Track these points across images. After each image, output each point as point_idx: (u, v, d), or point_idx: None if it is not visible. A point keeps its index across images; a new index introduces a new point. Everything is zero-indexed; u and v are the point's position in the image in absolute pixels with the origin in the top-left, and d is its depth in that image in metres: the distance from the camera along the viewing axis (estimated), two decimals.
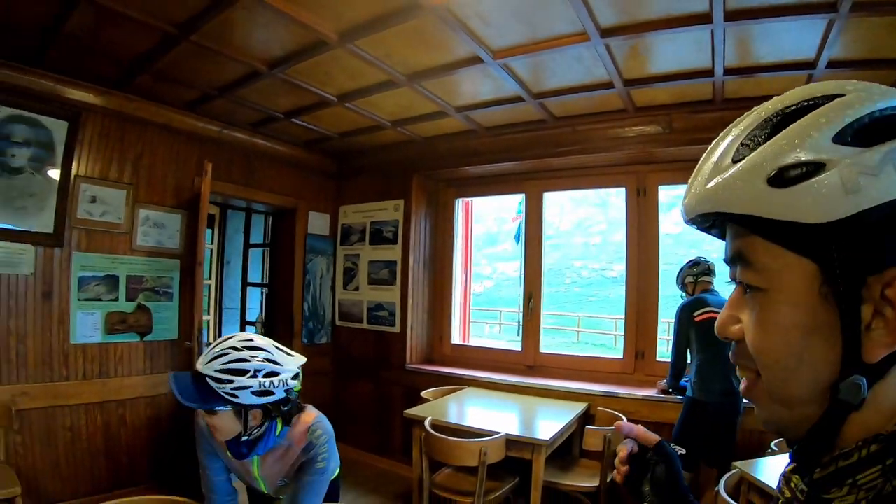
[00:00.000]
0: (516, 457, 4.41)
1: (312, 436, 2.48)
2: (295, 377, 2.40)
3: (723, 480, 3.34)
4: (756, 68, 4.26)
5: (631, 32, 3.81)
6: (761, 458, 3.75)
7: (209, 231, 8.52)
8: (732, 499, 3.17)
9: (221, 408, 2.25)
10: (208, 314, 9.01)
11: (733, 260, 0.85)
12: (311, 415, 2.58)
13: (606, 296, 33.80)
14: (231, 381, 2.20)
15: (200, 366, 2.25)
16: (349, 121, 6.09)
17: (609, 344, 21.70)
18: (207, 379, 2.21)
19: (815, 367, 0.75)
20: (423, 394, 5.89)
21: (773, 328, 0.78)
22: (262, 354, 2.30)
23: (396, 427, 6.95)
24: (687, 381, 4.92)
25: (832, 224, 0.70)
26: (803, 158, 0.72)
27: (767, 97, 0.83)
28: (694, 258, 5.21)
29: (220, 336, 5.51)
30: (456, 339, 7.41)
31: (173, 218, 5.91)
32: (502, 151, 6.31)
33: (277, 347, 2.41)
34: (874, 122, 0.73)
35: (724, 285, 1.03)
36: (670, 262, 5.89)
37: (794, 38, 3.75)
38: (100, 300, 5.37)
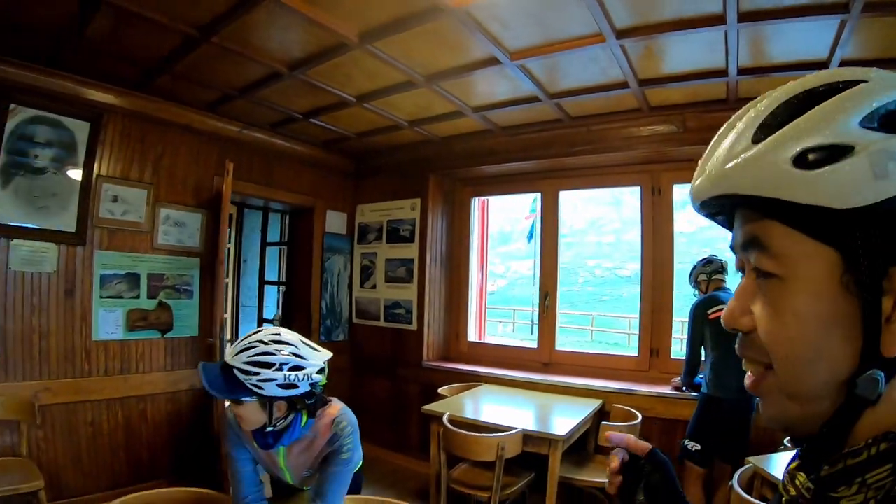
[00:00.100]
0: (533, 452, 4.46)
1: (337, 427, 2.55)
2: (320, 371, 2.46)
3: (737, 475, 3.35)
4: (769, 68, 4.28)
5: (646, 33, 3.84)
6: (774, 454, 3.78)
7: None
8: (746, 493, 3.20)
9: (247, 398, 2.32)
10: (226, 312, 9.04)
11: (746, 245, 0.81)
12: (336, 407, 2.65)
13: (619, 295, 33.59)
14: (257, 374, 2.26)
15: (228, 358, 2.32)
16: (367, 121, 6.13)
17: (622, 343, 21.50)
18: (235, 370, 2.28)
19: (833, 360, 0.72)
20: (441, 390, 5.95)
21: (790, 319, 0.74)
22: (289, 349, 2.36)
23: (413, 423, 7.00)
24: (702, 378, 4.95)
25: (857, 210, 0.67)
26: (830, 141, 0.69)
27: None
28: (707, 256, 5.23)
29: (237, 333, 5.59)
30: (472, 336, 7.45)
31: (193, 217, 5.99)
32: (518, 151, 6.34)
33: (304, 342, 2.47)
34: None
35: (736, 283, 0.90)
36: (683, 261, 5.92)
37: (807, 38, 3.77)
38: (121, 298, 5.46)
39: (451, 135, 6.55)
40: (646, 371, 5.90)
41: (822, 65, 4.09)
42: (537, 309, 6.85)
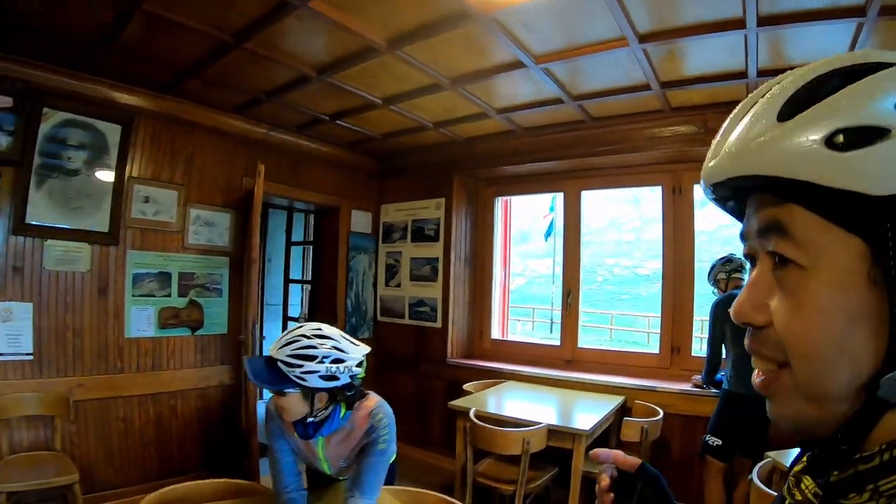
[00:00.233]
0: (556, 447, 4.54)
1: (374, 419, 2.65)
2: (359, 364, 2.57)
3: (756, 469, 3.42)
4: (788, 70, 4.33)
5: (668, 38, 3.90)
6: (794, 449, 3.85)
7: None
8: (766, 486, 3.26)
9: (290, 390, 2.42)
10: None
11: (765, 230, 0.75)
12: (374, 400, 2.75)
13: (638, 294, 33.38)
14: (300, 366, 2.37)
15: (273, 351, 2.43)
16: (393, 122, 6.20)
17: (641, 341, 21.44)
18: (279, 363, 2.39)
19: (856, 359, 0.67)
20: (466, 386, 6.04)
21: (814, 313, 0.68)
22: (330, 343, 2.47)
23: (437, 419, 7.08)
24: (723, 375, 5.00)
25: (890, 199, 0.63)
26: (865, 122, 0.65)
27: None
28: (726, 255, 5.26)
29: (262, 331, 5.70)
30: (495, 334, 7.52)
31: (223, 217, 6.10)
32: (541, 151, 6.40)
33: (344, 337, 2.57)
34: None
35: None
36: (703, 259, 5.97)
37: (825, 40, 3.79)
38: (153, 296, 5.58)
39: (475, 136, 6.61)
40: (667, 368, 5.95)
41: None
42: (556, 307, 6.91)
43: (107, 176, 5.29)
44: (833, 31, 3.63)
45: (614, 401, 5.41)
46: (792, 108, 0.71)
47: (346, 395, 2.56)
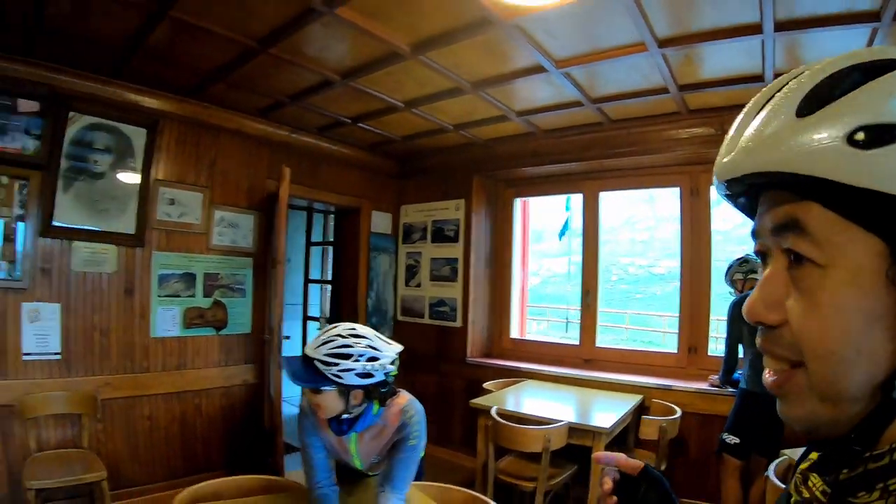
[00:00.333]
0: (577, 444, 4.58)
1: (405, 416, 2.72)
2: (393, 362, 2.64)
3: (772, 466, 3.43)
4: None
5: (686, 43, 3.94)
6: None
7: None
8: (782, 483, 3.30)
9: (327, 387, 2.49)
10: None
11: (780, 228, 0.74)
12: (405, 397, 2.82)
13: (653, 293, 33.13)
14: (337, 364, 2.44)
15: (309, 351, 2.49)
16: (413, 125, 6.25)
17: (657, 341, 21.36)
18: (316, 362, 2.46)
19: (874, 359, 0.67)
20: (486, 385, 6.08)
21: (831, 312, 0.68)
22: (365, 342, 2.54)
23: (457, 418, 7.13)
24: (740, 375, 5.05)
25: None
26: (889, 120, 0.64)
27: None
28: (742, 256, 5.25)
29: (282, 330, 5.76)
30: (514, 333, 7.58)
31: (246, 218, 6.19)
32: (560, 153, 6.44)
33: (377, 336, 2.65)
34: None
35: None
36: (718, 258, 6.00)
37: (841, 45, 3.75)
38: (178, 296, 5.67)
39: (495, 137, 6.64)
40: (684, 368, 5.98)
41: None
42: (571, 307, 6.95)
43: (132, 178, 5.36)
44: (848, 35, 3.65)
45: (632, 400, 5.44)
46: (811, 103, 0.70)
47: (381, 393, 2.63)
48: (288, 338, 6.33)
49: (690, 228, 6.05)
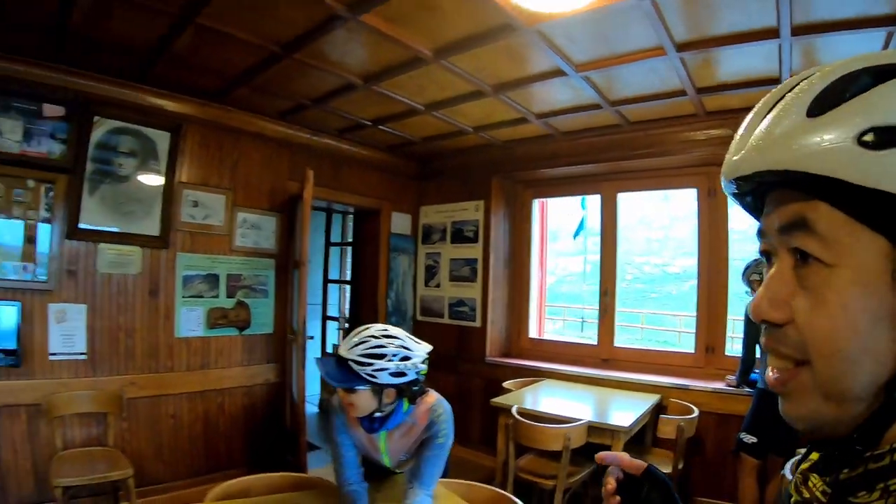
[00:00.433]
0: (596, 443, 4.60)
1: (434, 415, 2.79)
2: (424, 362, 2.72)
3: (789, 464, 3.44)
4: None
5: (704, 47, 3.97)
6: None
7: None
8: None
9: (361, 387, 2.56)
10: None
11: (789, 226, 0.74)
12: (433, 396, 2.89)
13: (668, 292, 32.77)
14: (371, 364, 2.50)
15: (343, 352, 2.56)
16: (434, 127, 6.29)
17: (672, 341, 21.11)
18: (350, 362, 2.52)
19: (879, 359, 0.67)
20: (506, 384, 6.13)
21: (838, 311, 0.68)
22: (397, 342, 2.61)
23: (476, 417, 7.15)
24: (757, 374, 5.07)
25: None
26: None
27: None
28: (759, 257, 5.29)
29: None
30: (533, 333, 7.62)
31: (268, 220, 6.26)
32: (579, 155, 6.47)
33: (409, 336, 2.72)
34: None
35: None
36: (735, 258, 6.00)
37: (856, 48, 3.68)
38: (202, 297, 5.75)
39: (514, 139, 6.67)
40: (702, 367, 5.99)
41: None
42: (587, 306, 6.95)
43: (156, 181, 5.43)
44: (864, 39, 3.67)
45: (650, 399, 5.47)
46: (822, 104, 0.70)
47: (412, 391, 2.70)
48: (311, 338, 6.39)
49: (708, 229, 6.07)
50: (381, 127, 6.36)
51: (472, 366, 7.32)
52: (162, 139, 5.45)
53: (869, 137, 0.64)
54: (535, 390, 6.01)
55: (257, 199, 6.21)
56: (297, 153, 6.56)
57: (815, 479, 0.82)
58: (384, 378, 2.54)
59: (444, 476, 2.98)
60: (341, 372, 2.54)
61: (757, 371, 5.07)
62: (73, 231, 4.93)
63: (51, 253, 4.82)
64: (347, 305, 9.30)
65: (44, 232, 4.79)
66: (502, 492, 3.07)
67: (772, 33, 3.73)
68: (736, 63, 4.29)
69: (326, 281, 9.84)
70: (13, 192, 4.65)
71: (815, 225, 0.70)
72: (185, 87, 5.37)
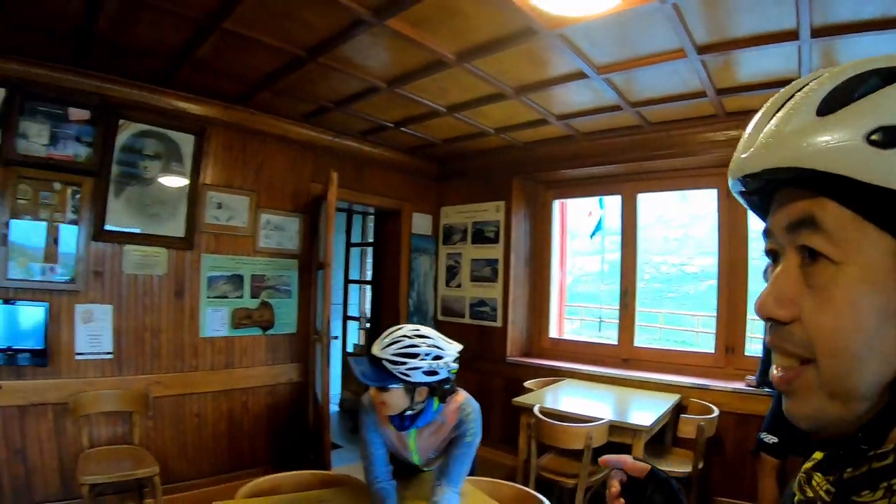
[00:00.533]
0: (617, 442, 4.62)
1: (463, 413, 2.83)
2: (455, 360, 2.77)
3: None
4: None
5: (724, 49, 3.98)
6: None
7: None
8: None
9: (395, 385, 2.61)
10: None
11: (797, 224, 0.74)
12: (462, 395, 2.93)
13: (686, 292, 32.47)
14: (405, 363, 2.55)
15: (377, 351, 2.61)
16: (455, 128, 6.32)
17: (690, 340, 20.84)
18: (384, 362, 2.57)
19: (885, 357, 0.67)
20: (527, 384, 6.15)
21: (845, 308, 0.69)
22: (429, 341, 2.66)
23: (496, 417, 7.12)
24: None
25: None
26: None
27: None
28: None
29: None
30: (553, 333, 7.63)
31: (291, 221, 6.33)
32: (599, 155, 6.48)
33: (440, 336, 2.77)
34: None
35: None
36: (755, 257, 6.00)
37: (875, 50, 3.60)
38: (226, 297, 5.82)
39: (535, 140, 6.69)
40: (722, 368, 5.98)
41: None
42: (604, 306, 6.95)
43: (181, 183, 5.50)
44: (884, 40, 3.66)
45: (671, 399, 5.48)
46: (832, 103, 0.71)
47: (443, 389, 2.75)
48: (336, 337, 6.44)
49: (728, 229, 6.06)
50: (402, 129, 6.39)
51: (493, 365, 7.33)
52: (186, 142, 5.52)
53: (877, 136, 0.65)
54: (556, 390, 6.03)
55: (280, 200, 6.27)
56: (319, 155, 6.63)
57: (818, 478, 0.82)
58: (417, 377, 2.59)
59: (470, 474, 3.02)
60: (375, 371, 2.59)
61: None
62: (99, 233, 5.00)
63: (77, 254, 4.88)
64: (368, 305, 9.33)
65: (70, 234, 4.86)
66: (528, 489, 3.12)
67: (791, 35, 3.73)
68: (756, 64, 4.30)
69: (347, 281, 9.89)
70: (40, 194, 4.72)
71: (823, 222, 0.71)
72: (209, 91, 5.43)
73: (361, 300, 9.90)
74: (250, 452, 6.04)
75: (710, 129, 5.65)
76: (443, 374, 2.69)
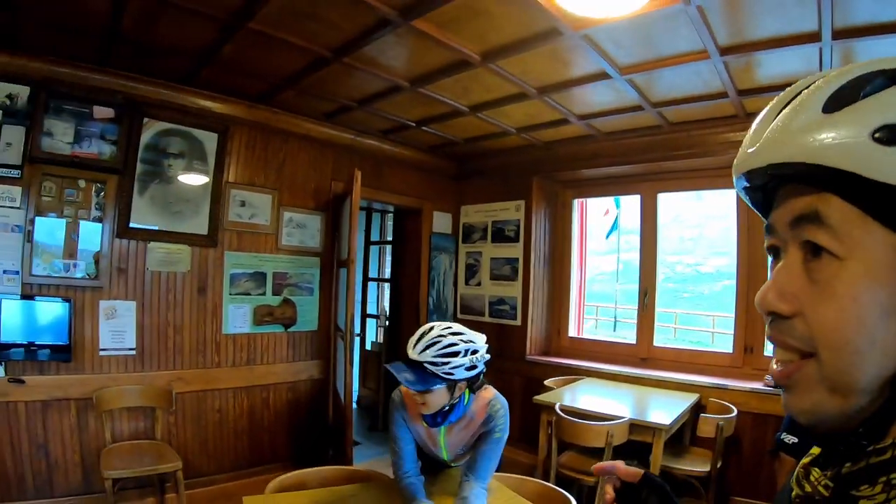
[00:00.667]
0: (637, 440, 4.67)
1: (492, 409, 2.88)
2: (487, 351, 2.82)
3: None
4: None
5: (746, 50, 3.99)
6: None
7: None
8: None
9: (438, 386, 2.64)
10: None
11: (801, 219, 0.75)
12: (491, 391, 2.98)
13: (700, 292, 32.29)
14: (448, 363, 2.60)
15: (415, 355, 2.63)
16: (476, 128, 6.34)
17: (705, 341, 20.67)
18: (426, 364, 2.61)
19: (886, 352, 0.68)
20: (547, 382, 6.16)
21: (848, 302, 0.69)
22: (464, 337, 2.71)
23: (515, 415, 6.98)
24: None
25: None
26: None
27: None
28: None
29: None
30: (572, 332, 7.64)
31: (313, 219, 6.39)
32: (619, 155, 6.49)
33: (467, 329, 2.81)
34: None
35: None
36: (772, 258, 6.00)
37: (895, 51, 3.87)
38: (249, 294, 5.87)
39: (555, 139, 6.71)
40: (740, 367, 5.98)
41: None
42: (620, 305, 6.93)
43: (204, 181, 5.56)
44: None
45: (690, 398, 5.49)
46: (838, 101, 0.72)
47: (480, 381, 2.83)
48: (359, 335, 6.46)
49: (746, 229, 6.05)
50: (424, 128, 6.42)
51: (513, 364, 7.33)
52: (209, 140, 5.58)
53: (883, 134, 0.66)
54: (575, 388, 6.04)
55: (302, 198, 6.32)
56: (340, 154, 6.68)
57: (816, 473, 0.82)
58: (460, 374, 2.65)
59: (497, 469, 3.06)
60: (418, 375, 2.62)
61: None
62: (123, 230, 5.07)
63: (101, 251, 4.95)
64: (386, 303, 9.39)
65: (94, 231, 4.93)
66: (553, 486, 3.16)
67: (814, 37, 3.74)
68: (777, 66, 4.30)
69: (366, 279, 9.95)
70: (65, 192, 4.79)
71: (828, 218, 0.71)
72: (233, 90, 5.49)
73: (380, 298, 9.93)
74: (271, 448, 6.09)
75: (730, 129, 5.63)
76: (480, 367, 2.75)
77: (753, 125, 0.83)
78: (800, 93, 0.78)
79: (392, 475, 2.99)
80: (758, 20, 3.66)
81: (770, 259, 0.86)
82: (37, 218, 4.64)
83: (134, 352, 5.16)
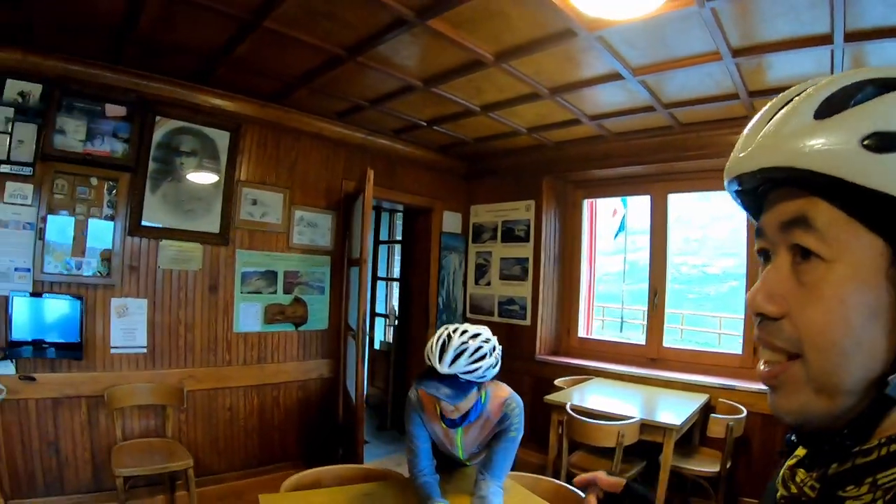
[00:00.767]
0: (648, 440, 4.68)
1: (508, 408, 2.87)
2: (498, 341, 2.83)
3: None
4: None
5: (758, 52, 4.00)
6: None
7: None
8: None
9: (473, 391, 2.65)
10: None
11: (790, 223, 0.76)
12: (506, 390, 2.98)
13: (707, 293, 32.23)
14: (479, 367, 2.60)
15: (446, 368, 2.58)
16: (487, 127, 6.34)
17: (712, 342, 20.47)
18: (458, 375, 2.59)
19: (871, 354, 0.69)
20: (557, 382, 6.17)
21: (836, 305, 0.70)
22: (481, 337, 2.70)
23: (525, 414, 7.03)
24: None
25: None
26: None
27: None
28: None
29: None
30: (581, 332, 7.64)
31: (324, 218, 6.40)
32: (630, 155, 6.49)
33: (476, 326, 2.81)
34: None
35: None
36: None
37: None
38: (260, 293, 5.89)
39: (566, 140, 6.72)
40: (749, 368, 5.94)
41: None
42: (627, 306, 6.93)
43: (216, 180, 5.57)
44: None
45: (699, 398, 5.49)
46: (829, 107, 0.73)
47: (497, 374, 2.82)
48: (368, 334, 6.47)
49: (755, 229, 5.98)
50: (435, 127, 6.42)
51: (522, 363, 7.31)
52: (221, 139, 5.59)
53: (871, 141, 0.67)
54: (585, 388, 6.05)
55: (314, 197, 6.33)
56: (352, 153, 6.69)
57: (802, 474, 0.83)
58: (490, 374, 2.68)
59: (511, 469, 3.06)
60: (454, 387, 2.59)
61: None
62: (135, 228, 5.08)
63: (113, 249, 4.97)
64: (395, 302, 9.40)
65: (106, 228, 4.94)
66: (567, 485, 3.16)
67: (826, 39, 3.75)
68: (788, 67, 4.30)
69: (375, 278, 9.95)
70: (77, 189, 4.81)
71: (815, 222, 0.73)
72: (245, 89, 5.50)
73: (388, 297, 9.94)
74: (281, 447, 6.10)
75: (740, 130, 5.43)
76: (499, 360, 2.75)
77: (746, 129, 0.84)
78: (792, 99, 0.79)
79: (406, 473, 3.01)
80: (770, 22, 3.66)
81: (761, 261, 0.87)
82: (49, 216, 4.65)
83: (145, 350, 5.17)
